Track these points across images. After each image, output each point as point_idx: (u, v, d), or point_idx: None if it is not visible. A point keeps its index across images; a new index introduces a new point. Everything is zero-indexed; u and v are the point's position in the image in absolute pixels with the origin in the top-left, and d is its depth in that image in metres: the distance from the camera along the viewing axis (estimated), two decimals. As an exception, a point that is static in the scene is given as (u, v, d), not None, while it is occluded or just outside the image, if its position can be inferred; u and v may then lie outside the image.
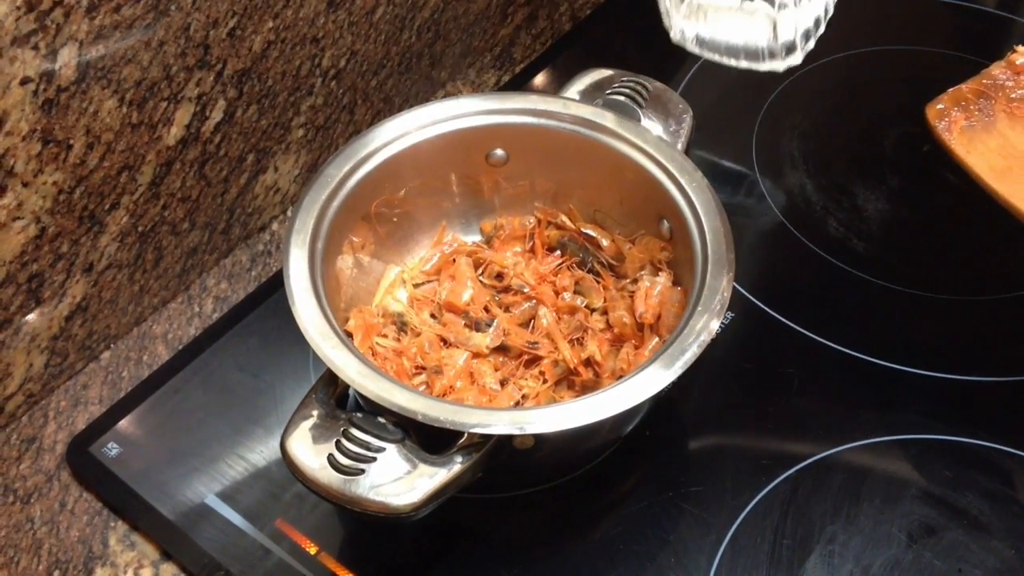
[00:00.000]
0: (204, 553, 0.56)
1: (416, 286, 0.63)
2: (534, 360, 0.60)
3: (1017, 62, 0.68)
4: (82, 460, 0.60)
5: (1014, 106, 0.67)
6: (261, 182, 0.70)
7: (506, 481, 0.58)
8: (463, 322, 0.61)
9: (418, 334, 0.60)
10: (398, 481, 0.47)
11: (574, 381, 0.59)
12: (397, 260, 0.64)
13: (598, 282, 0.63)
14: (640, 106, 0.63)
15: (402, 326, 0.61)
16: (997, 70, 0.69)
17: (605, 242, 0.64)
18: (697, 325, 0.52)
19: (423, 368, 0.59)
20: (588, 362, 0.59)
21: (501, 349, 0.60)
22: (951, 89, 0.68)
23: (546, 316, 0.61)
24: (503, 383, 0.58)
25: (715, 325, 0.52)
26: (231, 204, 0.69)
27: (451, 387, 0.58)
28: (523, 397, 0.58)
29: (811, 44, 0.70)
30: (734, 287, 0.54)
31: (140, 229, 0.63)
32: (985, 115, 0.66)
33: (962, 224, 0.73)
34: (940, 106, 0.67)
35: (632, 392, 0.50)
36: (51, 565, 0.56)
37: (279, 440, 0.49)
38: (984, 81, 0.68)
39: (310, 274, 0.54)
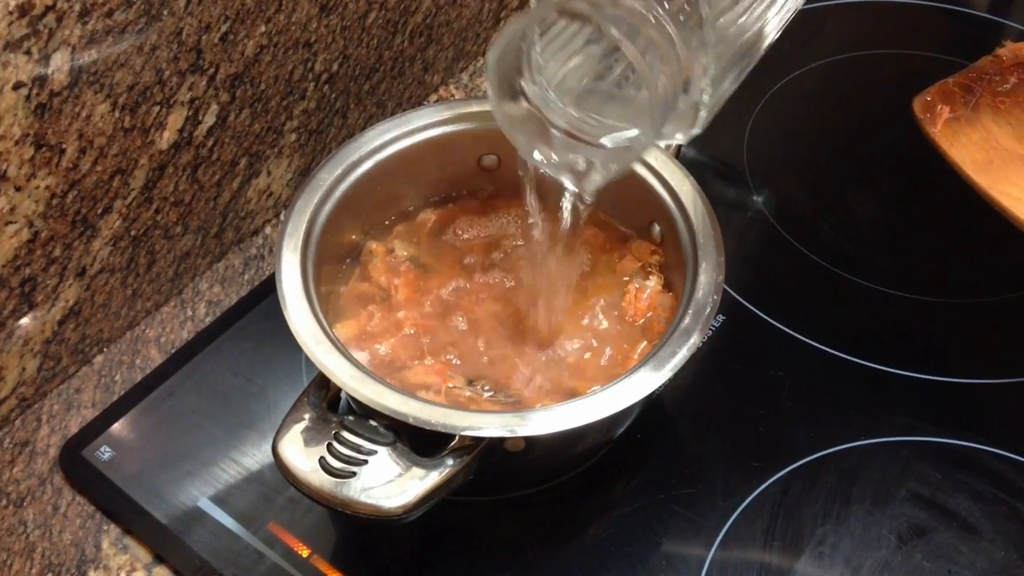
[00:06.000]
0: (197, 556, 0.56)
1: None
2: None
3: (1004, 57, 0.69)
4: (75, 463, 0.60)
5: (999, 100, 0.68)
6: (254, 186, 0.70)
7: (497, 484, 0.58)
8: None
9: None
10: (389, 484, 0.48)
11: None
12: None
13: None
14: (631, 110, 0.63)
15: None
16: (985, 64, 0.69)
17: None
18: (687, 328, 0.52)
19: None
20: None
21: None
22: (939, 82, 0.68)
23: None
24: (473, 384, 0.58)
25: (705, 328, 0.52)
26: (224, 208, 0.69)
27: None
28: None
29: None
30: (724, 290, 0.54)
31: (133, 233, 0.63)
32: (970, 108, 0.67)
33: (952, 227, 0.73)
34: (927, 98, 0.67)
35: (622, 395, 0.50)
36: (44, 568, 0.57)
37: (271, 443, 0.49)
38: (971, 75, 0.69)
39: (302, 278, 0.54)
